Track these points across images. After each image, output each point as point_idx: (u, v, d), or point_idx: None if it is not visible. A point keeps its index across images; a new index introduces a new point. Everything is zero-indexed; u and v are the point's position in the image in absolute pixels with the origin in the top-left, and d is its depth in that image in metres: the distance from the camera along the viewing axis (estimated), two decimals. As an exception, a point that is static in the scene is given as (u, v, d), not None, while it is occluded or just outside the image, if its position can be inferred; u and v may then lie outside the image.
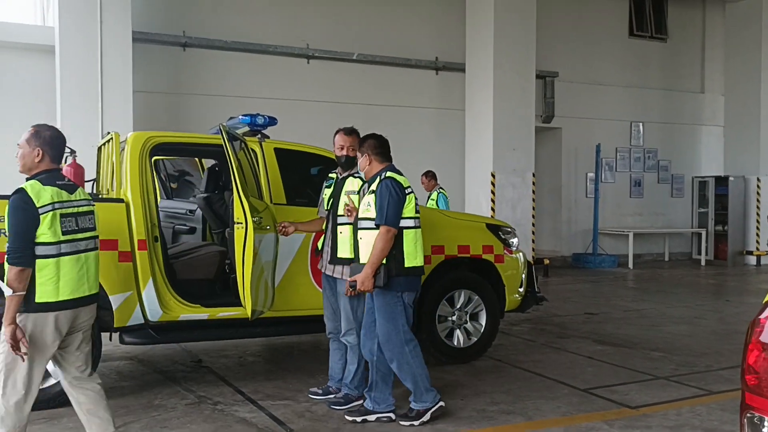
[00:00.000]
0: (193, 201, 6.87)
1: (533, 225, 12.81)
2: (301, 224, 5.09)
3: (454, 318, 6.02)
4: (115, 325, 4.92)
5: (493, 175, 12.34)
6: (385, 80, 12.70)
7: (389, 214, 4.24)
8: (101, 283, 4.75)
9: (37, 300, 3.25)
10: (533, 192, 12.76)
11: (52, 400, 4.65)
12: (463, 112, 13.09)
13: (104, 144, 5.78)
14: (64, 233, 3.31)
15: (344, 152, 4.84)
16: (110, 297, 4.84)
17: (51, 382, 4.67)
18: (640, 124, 15.51)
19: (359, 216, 4.42)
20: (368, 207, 4.34)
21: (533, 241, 12.83)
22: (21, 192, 3.26)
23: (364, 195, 4.50)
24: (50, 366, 4.67)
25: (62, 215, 3.32)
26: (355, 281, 4.29)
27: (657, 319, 8.38)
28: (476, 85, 12.75)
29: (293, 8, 12.00)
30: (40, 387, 4.57)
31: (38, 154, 3.44)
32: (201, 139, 5.79)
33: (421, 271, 4.46)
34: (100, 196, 5.69)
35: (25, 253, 3.19)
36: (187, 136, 5.94)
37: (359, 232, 4.41)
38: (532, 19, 12.63)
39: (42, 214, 3.23)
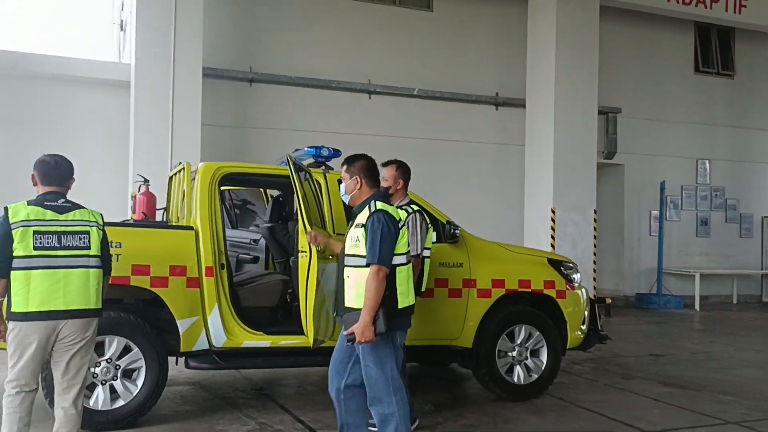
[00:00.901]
0: (257, 230, 7.04)
1: (594, 263, 12.55)
2: (336, 243, 4.76)
3: (514, 353, 5.94)
4: (181, 350, 5.05)
5: (553, 212, 12.20)
6: (445, 115, 12.80)
7: (383, 252, 3.76)
8: (170, 308, 4.96)
9: (11, 309, 3.64)
10: (594, 229, 12.54)
11: (120, 421, 4.79)
12: (523, 147, 13.04)
13: (176, 173, 6.01)
14: (35, 248, 3.62)
15: (382, 184, 4.73)
16: (177, 321, 4.98)
17: (120, 403, 4.82)
18: (707, 161, 15.12)
19: (346, 252, 3.93)
20: (356, 242, 3.85)
21: (594, 279, 12.56)
22: (4, 210, 3.69)
23: (350, 227, 4.04)
24: (119, 386, 4.84)
25: (36, 232, 3.64)
26: (353, 333, 3.74)
27: (726, 361, 8.05)
28: (537, 120, 12.71)
29: (356, 45, 12.29)
30: (110, 407, 4.75)
31: (32, 179, 3.90)
32: (267, 169, 5.95)
33: (413, 309, 4.03)
34: (170, 224, 5.90)
35: (0, 265, 3.60)
36: (254, 167, 6.12)
37: (346, 270, 3.90)
38: (594, 54, 12.57)
39: (13, 229, 3.60)
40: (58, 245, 3.70)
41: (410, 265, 4.02)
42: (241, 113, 11.52)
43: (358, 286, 3.81)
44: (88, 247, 3.79)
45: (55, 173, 3.84)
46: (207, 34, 10.39)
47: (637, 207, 14.49)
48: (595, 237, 12.57)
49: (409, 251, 4.04)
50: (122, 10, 15.08)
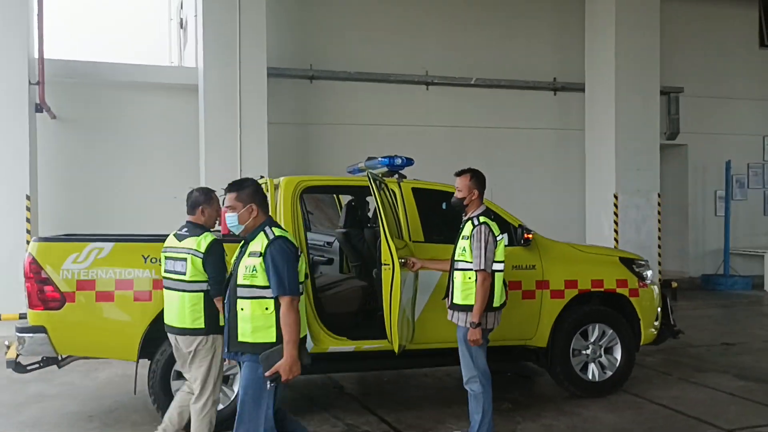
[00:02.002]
0: (331, 233, 7.29)
1: (659, 247, 12.44)
2: (429, 262, 5.26)
3: (588, 352, 6.08)
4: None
5: (615, 197, 12.12)
6: (503, 103, 12.80)
7: (292, 281, 3.50)
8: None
9: None
10: (659, 213, 12.40)
11: (219, 425, 5.13)
12: (583, 132, 12.95)
13: (256, 185, 6.27)
14: (165, 271, 4.39)
15: (456, 195, 4.87)
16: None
17: (219, 407, 5.16)
18: (775, 137, 14.71)
19: (239, 282, 3.60)
20: (253, 272, 3.53)
21: (659, 263, 12.45)
22: None
23: (242, 256, 3.66)
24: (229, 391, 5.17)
25: (166, 257, 4.39)
26: (277, 373, 3.44)
27: (802, 351, 7.97)
28: (597, 104, 12.58)
29: (412, 37, 12.36)
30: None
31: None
32: (344, 181, 6.21)
33: (305, 339, 3.72)
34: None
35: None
36: (331, 180, 6.33)
37: (239, 301, 3.58)
38: (655, 33, 12.33)
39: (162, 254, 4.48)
40: (170, 269, 4.34)
41: (302, 295, 3.61)
42: (302, 110, 11.79)
43: (254, 319, 3.52)
44: (184, 273, 4.23)
45: (188, 203, 4.46)
46: (268, 35, 10.61)
47: (701, 187, 14.23)
48: (659, 221, 12.44)
49: (304, 281, 3.70)
50: (181, 8, 15.48)
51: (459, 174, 4.93)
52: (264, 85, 10.47)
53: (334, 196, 7.68)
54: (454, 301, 4.75)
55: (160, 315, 5.03)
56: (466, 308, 4.63)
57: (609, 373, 6.11)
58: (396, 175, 5.94)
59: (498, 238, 4.67)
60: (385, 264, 4.85)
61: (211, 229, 4.49)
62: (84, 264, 4.98)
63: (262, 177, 6.06)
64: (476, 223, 4.64)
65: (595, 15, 12.53)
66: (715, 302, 11.98)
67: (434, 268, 5.32)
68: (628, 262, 6.35)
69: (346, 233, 6.62)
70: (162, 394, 5.04)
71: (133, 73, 11.15)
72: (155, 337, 5.07)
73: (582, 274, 6.08)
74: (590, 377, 6.06)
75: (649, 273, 6.42)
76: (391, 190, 5.73)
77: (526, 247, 5.92)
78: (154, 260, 5.01)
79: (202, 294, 4.22)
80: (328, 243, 7.33)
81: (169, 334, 4.40)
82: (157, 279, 4.98)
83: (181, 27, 15.63)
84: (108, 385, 6.52)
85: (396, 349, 4.95)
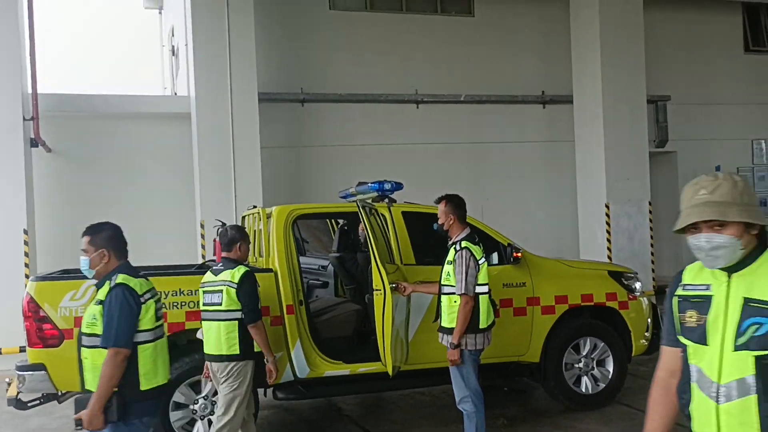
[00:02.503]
0: (325, 257, 7.41)
1: (652, 254, 12.56)
2: (420, 285, 5.37)
3: (581, 365, 6.18)
4: (269, 383, 5.45)
5: (607, 206, 12.25)
6: (492, 118, 12.96)
7: (120, 333, 3.30)
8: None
9: None
10: (650, 221, 12.53)
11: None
12: (573, 143, 13.09)
13: (249, 214, 6.41)
14: (204, 304, 4.74)
15: (438, 221, 5.00)
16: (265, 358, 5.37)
17: None
18: (762, 141, 14.86)
19: (83, 330, 3.46)
20: (93, 320, 3.39)
21: (653, 270, 12.56)
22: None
23: (92, 303, 3.51)
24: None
25: (204, 291, 4.73)
26: (80, 420, 3.31)
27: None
28: (585, 116, 12.74)
29: (401, 57, 12.54)
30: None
31: None
32: (334, 208, 6.35)
33: (163, 389, 3.55)
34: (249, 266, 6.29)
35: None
36: (322, 207, 6.50)
37: (83, 350, 3.44)
38: (640, 44, 12.50)
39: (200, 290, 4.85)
40: (207, 302, 4.70)
41: (157, 342, 3.47)
42: (295, 133, 11.94)
43: (94, 369, 3.35)
44: (220, 304, 4.60)
45: (224, 241, 4.81)
46: (258, 60, 10.79)
47: (692, 193, 14.35)
48: (651, 228, 12.56)
49: (156, 327, 3.49)
50: (172, 35, 15.67)
51: (437, 201, 5.06)
52: (256, 110, 10.62)
53: (328, 222, 7.80)
54: (442, 324, 4.88)
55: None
56: (452, 330, 4.74)
57: (602, 386, 6.22)
58: (386, 200, 6.06)
59: (480, 262, 4.77)
60: (376, 289, 4.97)
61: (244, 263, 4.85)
62: (81, 301, 5.08)
63: (254, 207, 6.19)
64: (458, 248, 4.77)
65: (580, 28, 12.72)
66: (711, 307, 12.05)
67: (425, 291, 5.42)
68: (617, 276, 6.47)
69: (340, 257, 6.74)
70: (161, 425, 5.12)
71: (126, 104, 11.32)
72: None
73: (572, 289, 6.19)
74: (583, 390, 6.17)
75: (638, 285, 6.53)
76: (381, 214, 5.86)
77: (515, 265, 6.04)
78: (149, 294, 5.12)
79: (236, 322, 4.57)
80: (323, 267, 7.44)
81: (207, 363, 4.74)
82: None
83: (174, 54, 15.81)
84: (110, 417, 6.58)
85: (390, 372, 5.06)
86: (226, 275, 4.63)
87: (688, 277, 2.23)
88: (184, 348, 5.39)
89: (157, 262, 7.70)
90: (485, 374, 6.00)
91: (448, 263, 4.83)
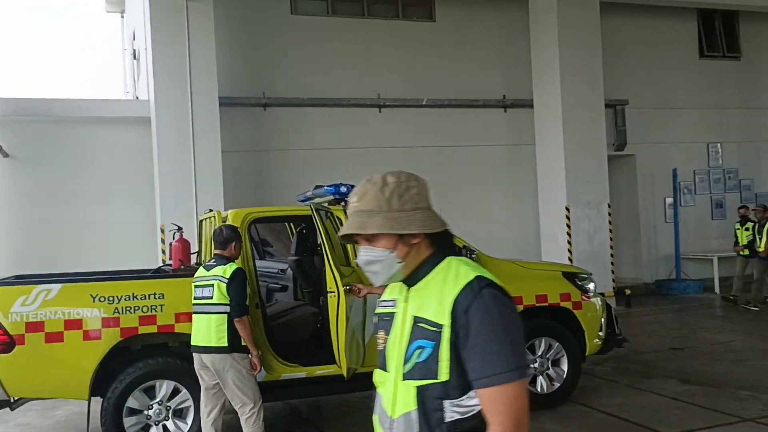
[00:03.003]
0: (284, 261, 7.41)
1: (612, 255, 12.79)
2: (376, 287, 5.42)
3: (536, 365, 6.28)
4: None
5: (567, 209, 12.45)
6: (454, 122, 13.09)
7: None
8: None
9: None
10: (609, 223, 12.77)
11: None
12: (533, 147, 13.28)
13: (206, 218, 6.39)
14: (195, 298, 4.89)
15: None
16: (220, 362, 5.36)
17: None
18: (718, 144, 15.25)
19: None
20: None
21: (613, 272, 12.79)
22: None
23: None
24: (171, 426, 5.23)
25: (195, 286, 4.91)
26: None
27: (745, 353, 8.29)
28: (545, 120, 12.93)
29: (363, 61, 12.60)
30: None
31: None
32: (291, 211, 6.35)
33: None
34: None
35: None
36: (278, 210, 6.49)
37: None
38: (597, 49, 12.74)
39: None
40: (199, 296, 4.88)
41: None
42: (257, 138, 11.91)
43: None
44: (211, 297, 4.77)
45: (219, 239, 4.95)
46: (219, 63, 10.75)
47: (651, 195, 14.69)
48: (610, 230, 12.79)
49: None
50: (134, 39, 15.51)
51: None
52: (216, 114, 10.57)
53: (286, 225, 7.80)
54: None
55: (111, 352, 5.12)
56: None
57: (557, 385, 6.32)
58: (342, 203, 6.10)
59: None
60: (330, 291, 5.00)
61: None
62: (32, 306, 5.03)
63: (210, 210, 6.17)
64: None
65: (539, 33, 12.91)
66: (668, 307, 12.34)
67: (380, 293, 5.44)
68: (571, 276, 6.59)
69: (298, 260, 6.75)
70: (114, 430, 5.08)
71: (85, 109, 11.17)
72: (107, 375, 5.13)
73: (526, 290, 6.29)
74: (539, 390, 6.26)
75: (591, 286, 6.66)
76: (337, 217, 5.89)
77: (471, 266, 6.11)
78: (102, 299, 5.09)
79: (225, 316, 4.74)
80: (282, 270, 7.44)
81: (195, 355, 4.85)
82: (106, 317, 5.07)
83: (135, 58, 15.66)
84: (65, 424, 6.51)
85: (345, 374, 5.09)
86: (218, 271, 4.81)
87: (387, 291, 1.95)
88: (138, 353, 5.36)
89: (117, 267, 7.66)
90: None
91: None
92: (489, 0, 12.98)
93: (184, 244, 6.40)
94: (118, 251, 10.00)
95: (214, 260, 4.96)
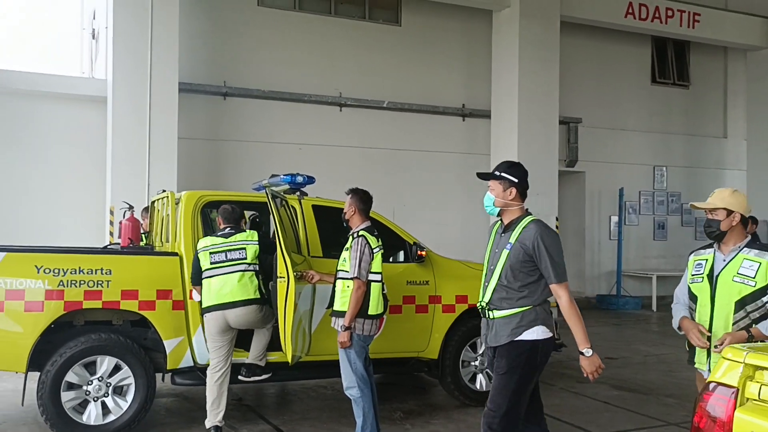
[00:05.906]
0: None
1: (557, 267, 13.10)
2: (328, 276, 5.45)
3: (477, 363, 6.44)
4: (167, 367, 5.43)
5: (517, 219, 12.71)
6: (413, 127, 13.28)
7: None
8: (158, 329, 5.34)
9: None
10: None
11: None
12: (489, 156, 13.54)
13: (158, 199, 6.36)
14: (211, 263, 5.25)
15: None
16: (164, 341, 5.36)
17: (111, 418, 5.17)
18: (664, 168, 15.84)
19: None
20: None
21: (556, 283, 13.11)
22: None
23: None
24: (110, 402, 5.18)
25: (211, 252, 5.27)
26: None
27: (674, 364, 8.64)
28: (501, 131, 13.22)
29: (327, 59, 12.68)
30: (102, 422, 5.17)
31: (218, 221, 5.69)
32: (245, 197, 6.35)
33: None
34: (155, 249, 6.24)
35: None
36: (233, 195, 6.48)
37: None
38: (555, 68, 13.12)
39: (199, 253, 5.31)
40: (221, 260, 5.25)
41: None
42: (215, 127, 11.85)
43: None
44: (245, 258, 5.29)
45: (231, 217, 5.45)
46: (182, 49, 10.67)
47: (597, 212, 15.15)
48: (557, 243, 13.10)
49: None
50: (94, 18, 15.22)
51: (347, 193, 5.28)
52: (175, 99, 10.48)
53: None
54: (334, 307, 5.02)
55: (53, 326, 5.05)
56: (343, 314, 4.88)
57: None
58: (298, 193, 6.15)
59: (375, 251, 4.93)
60: (280, 277, 5.04)
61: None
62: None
63: (163, 191, 6.14)
64: (355, 236, 4.98)
65: (500, 47, 13.22)
66: (607, 321, 12.74)
67: (332, 282, 5.53)
68: (516, 279, 6.76)
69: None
70: (51, 405, 5.00)
71: (41, 83, 10.94)
72: (46, 349, 5.06)
73: (472, 290, 6.39)
74: (478, 387, 6.41)
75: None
76: (292, 206, 5.94)
77: (420, 263, 6.25)
78: (47, 270, 5.02)
79: (254, 273, 5.30)
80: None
81: (215, 315, 5.16)
82: (50, 289, 5.00)
83: (93, 38, 15.35)
84: (-3, 400, 6.37)
85: (290, 360, 5.13)
86: (243, 236, 5.36)
87: None
88: (81, 328, 5.30)
89: (66, 244, 7.52)
90: (386, 368, 6.23)
91: (345, 250, 5.03)
92: (454, 9, 13.21)
93: (134, 222, 6.35)
94: (66, 229, 9.81)
95: (229, 228, 5.39)
